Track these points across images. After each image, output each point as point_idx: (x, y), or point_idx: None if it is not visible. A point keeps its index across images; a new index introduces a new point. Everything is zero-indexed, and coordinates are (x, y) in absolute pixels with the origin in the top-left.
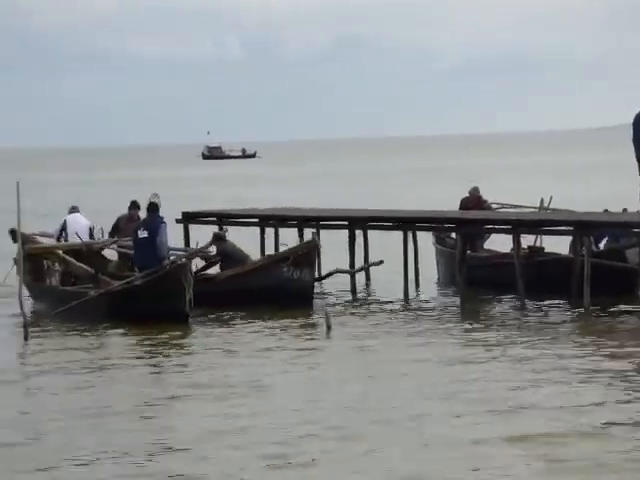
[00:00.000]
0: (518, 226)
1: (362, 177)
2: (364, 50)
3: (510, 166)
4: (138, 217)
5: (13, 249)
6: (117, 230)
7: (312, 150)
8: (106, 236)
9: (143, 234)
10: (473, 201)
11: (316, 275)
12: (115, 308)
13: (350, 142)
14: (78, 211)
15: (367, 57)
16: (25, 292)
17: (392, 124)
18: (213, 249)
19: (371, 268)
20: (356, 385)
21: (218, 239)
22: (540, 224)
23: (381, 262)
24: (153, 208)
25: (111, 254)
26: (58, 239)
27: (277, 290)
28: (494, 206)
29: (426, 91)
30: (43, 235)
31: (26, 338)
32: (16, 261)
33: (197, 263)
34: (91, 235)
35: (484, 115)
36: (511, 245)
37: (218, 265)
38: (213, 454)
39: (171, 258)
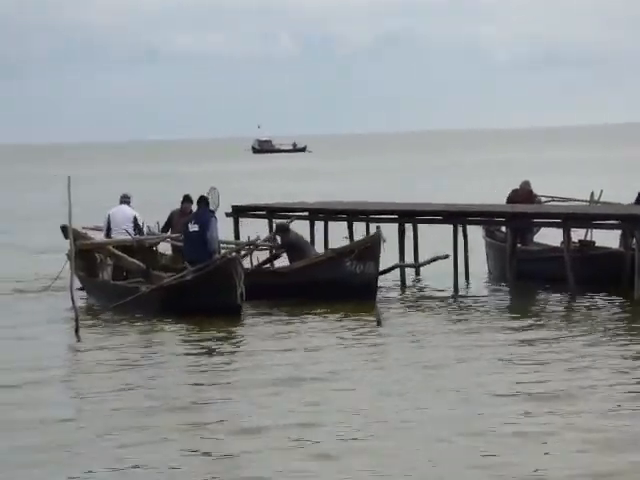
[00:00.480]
0: (568, 220)
1: (412, 171)
2: (413, 44)
3: (563, 160)
4: (191, 211)
5: (66, 244)
6: (170, 224)
7: (362, 144)
8: (155, 230)
9: (193, 228)
10: (523, 195)
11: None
12: (167, 303)
13: (401, 136)
14: (128, 200)
15: (416, 51)
16: (79, 286)
17: (442, 118)
18: (276, 240)
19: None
20: (408, 381)
21: (282, 230)
22: (591, 218)
23: (447, 256)
24: (203, 202)
25: (165, 247)
26: (107, 234)
27: (341, 284)
28: (543, 199)
29: (476, 85)
30: (97, 229)
31: (77, 331)
32: (68, 257)
33: (258, 256)
34: (136, 226)
35: (535, 109)
36: (561, 239)
37: (280, 256)
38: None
39: (222, 252)
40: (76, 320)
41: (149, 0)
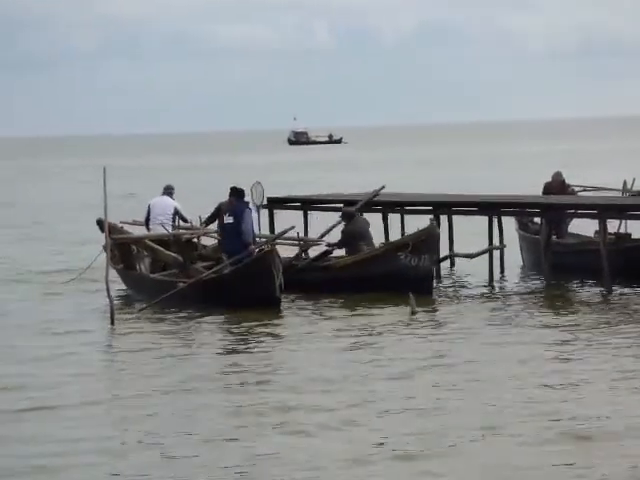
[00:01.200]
0: (604, 211)
1: (449, 162)
2: (450, 35)
3: (598, 151)
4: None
5: (102, 237)
6: (218, 216)
7: (398, 136)
8: (195, 224)
9: (229, 220)
10: (556, 186)
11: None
12: (205, 297)
13: (439, 127)
14: (170, 191)
15: (453, 42)
16: (117, 279)
17: (478, 109)
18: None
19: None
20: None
21: (348, 217)
22: (627, 209)
23: (504, 246)
24: (238, 194)
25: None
26: (146, 224)
27: (395, 278)
28: (576, 189)
29: (517, 75)
30: (135, 223)
31: (112, 323)
32: (104, 249)
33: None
34: (176, 215)
35: (577, 99)
36: (593, 229)
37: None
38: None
39: (260, 241)
40: (111, 311)
41: None
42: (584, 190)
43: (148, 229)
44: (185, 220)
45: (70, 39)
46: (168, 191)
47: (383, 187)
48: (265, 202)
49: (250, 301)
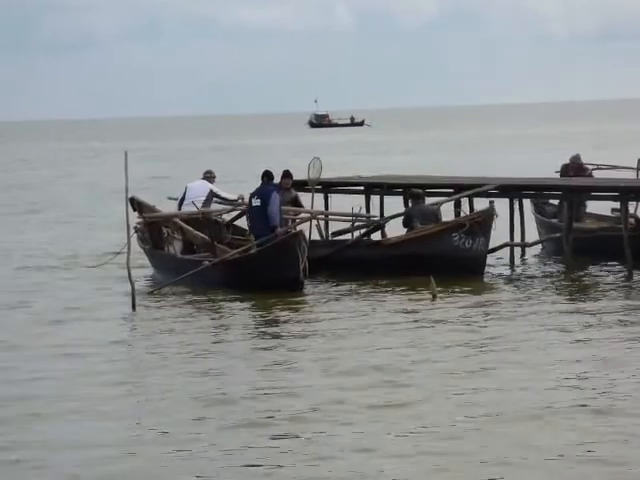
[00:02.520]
0: (626, 193)
1: (472, 144)
2: (473, 17)
3: (621, 133)
4: (286, 186)
5: (133, 218)
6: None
7: (421, 118)
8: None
9: (256, 202)
10: (574, 168)
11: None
12: (230, 277)
13: (461, 109)
14: (210, 176)
15: (476, 24)
16: (145, 260)
17: (503, 91)
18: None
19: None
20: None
21: (414, 197)
22: None
23: (559, 236)
24: (267, 176)
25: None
26: (179, 205)
27: (446, 259)
28: (590, 167)
29: (538, 58)
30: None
31: (134, 307)
32: (135, 229)
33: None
34: (213, 196)
35: (604, 81)
36: (609, 209)
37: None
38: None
39: (287, 225)
40: (132, 296)
41: None
42: (597, 168)
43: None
44: (226, 199)
45: (94, 22)
46: (208, 176)
47: None
48: (320, 176)
49: (274, 283)
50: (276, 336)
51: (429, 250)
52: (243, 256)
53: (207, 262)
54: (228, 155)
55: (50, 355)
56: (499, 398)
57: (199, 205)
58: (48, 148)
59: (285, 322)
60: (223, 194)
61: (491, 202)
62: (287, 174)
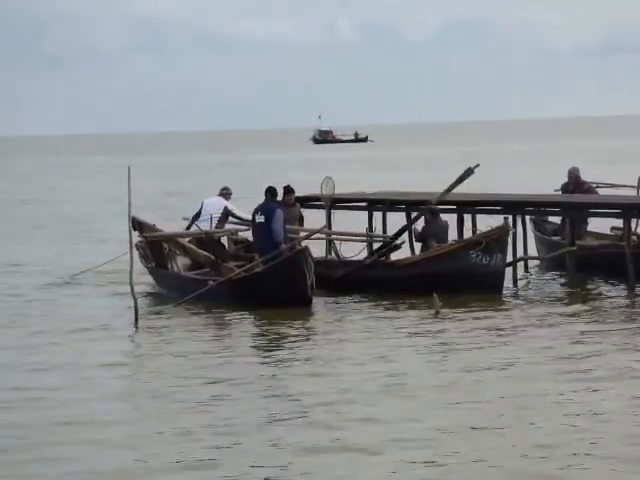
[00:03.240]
0: (630, 210)
1: (471, 160)
2: (476, 31)
3: (623, 149)
4: (291, 202)
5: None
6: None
7: (425, 133)
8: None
9: (260, 219)
10: (572, 182)
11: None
12: (235, 295)
13: (465, 125)
14: (226, 193)
15: (479, 38)
16: (148, 280)
17: (507, 106)
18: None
19: None
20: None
21: (431, 213)
22: None
23: (575, 250)
24: (270, 193)
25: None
26: (192, 221)
27: (465, 277)
28: (592, 185)
29: (541, 72)
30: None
31: (136, 322)
32: (136, 247)
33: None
34: (226, 215)
35: (601, 97)
36: (609, 226)
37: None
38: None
39: (292, 242)
40: (135, 311)
41: None
42: (597, 187)
43: (190, 226)
44: (240, 218)
45: (96, 37)
46: (224, 192)
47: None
48: (334, 195)
49: (281, 300)
50: (282, 359)
51: (447, 269)
52: (250, 274)
53: (212, 282)
54: (235, 171)
55: (45, 370)
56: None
57: (215, 221)
58: (51, 163)
59: (294, 340)
60: (238, 212)
61: (506, 218)
62: (289, 190)
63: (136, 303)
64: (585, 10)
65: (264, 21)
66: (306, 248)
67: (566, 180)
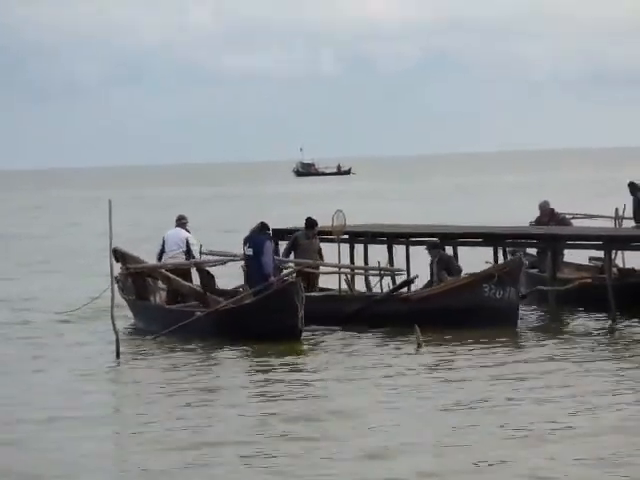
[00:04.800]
0: (610, 242)
1: (455, 192)
2: (457, 63)
3: (607, 180)
4: (314, 235)
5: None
6: (295, 247)
7: (407, 166)
8: (195, 254)
9: (248, 251)
10: (546, 215)
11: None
12: (225, 327)
13: (446, 157)
14: (184, 222)
15: (461, 70)
16: (127, 311)
17: (489, 138)
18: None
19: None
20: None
21: (434, 247)
22: (632, 240)
23: (590, 280)
24: (260, 226)
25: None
26: (159, 257)
27: (478, 311)
28: (562, 213)
29: (517, 104)
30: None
31: (117, 355)
32: (117, 279)
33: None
34: (188, 249)
35: (577, 129)
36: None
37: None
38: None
39: (284, 271)
40: (117, 344)
41: (194, 20)
42: (574, 218)
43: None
44: (191, 255)
45: (80, 70)
46: (181, 222)
47: None
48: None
49: (271, 333)
50: (267, 394)
51: (460, 303)
52: (239, 305)
53: (199, 312)
54: (218, 204)
55: (26, 404)
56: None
57: (182, 258)
58: (39, 197)
59: (284, 374)
60: (193, 250)
61: (517, 251)
62: (313, 223)
63: (117, 336)
64: (568, 42)
65: (246, 54)
66: (298, 280)
67: (539, 214)
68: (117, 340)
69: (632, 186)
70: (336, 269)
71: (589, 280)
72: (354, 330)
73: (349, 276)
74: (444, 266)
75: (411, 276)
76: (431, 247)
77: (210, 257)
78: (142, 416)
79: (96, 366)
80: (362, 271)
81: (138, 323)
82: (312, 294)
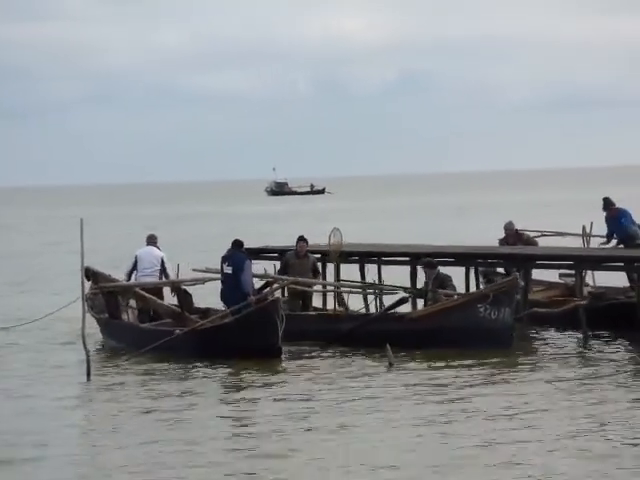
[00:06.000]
0: (581, 262)
1: (425, 212)
2: (429, 85)
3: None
4: (304, 254)
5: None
6: (287, 267)
7: (378, 186)
8: (171, 273)
9: (227, 270)
10: (512, 236)
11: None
12: (204, 346)
13: (418, 177)
14: (155, 240)
15: (432, 92)
16: (96, 329)
17: (459, 159)
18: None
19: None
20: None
21: (429, 265)
22: (603, 260)
23: (584, 301)
24: (236, 244)
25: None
26: (129, 275)
27: (472, 331)
28: (532, 234)
29: (491, 127)
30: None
31: (88, 376)
32: (86, 298)
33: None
34: (163, 267)
35: (550, 151)
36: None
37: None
38: None
39: (265, 291)
40: (87, 365)
41: (165, 40)
42: (542, 235)
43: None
44: (167, 276)
45: (52, 90)
46: (153, 241)
47: None
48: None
49: (251, 351)
50: (249, 411)
51: (455, 323)
52: (220, 323)
53: (179, 330)
54: (190, 224)
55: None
56: None
57: (156, 277)
58: (25, 215)
59: (262, 393)
60: (168, 269)
61: (514, 271)
62: (302, 238)
63: (88, 355)
64: (538, 67)
65: (218, 74)
66: (278, 299)
67: (503, 235)
68: (88, 359)
69: (606, 200)
70: (330, 287)
71: (582, 302)
72: (340, 349)
73: (344, 295)
74: (439, 285)
75: (404, 295)
76: (427, 266)
77: (188, 276)
78: (110, 441)
79: (66, 387)
80: (357, 289)
81: (109, 342)
82: (306, 313)
